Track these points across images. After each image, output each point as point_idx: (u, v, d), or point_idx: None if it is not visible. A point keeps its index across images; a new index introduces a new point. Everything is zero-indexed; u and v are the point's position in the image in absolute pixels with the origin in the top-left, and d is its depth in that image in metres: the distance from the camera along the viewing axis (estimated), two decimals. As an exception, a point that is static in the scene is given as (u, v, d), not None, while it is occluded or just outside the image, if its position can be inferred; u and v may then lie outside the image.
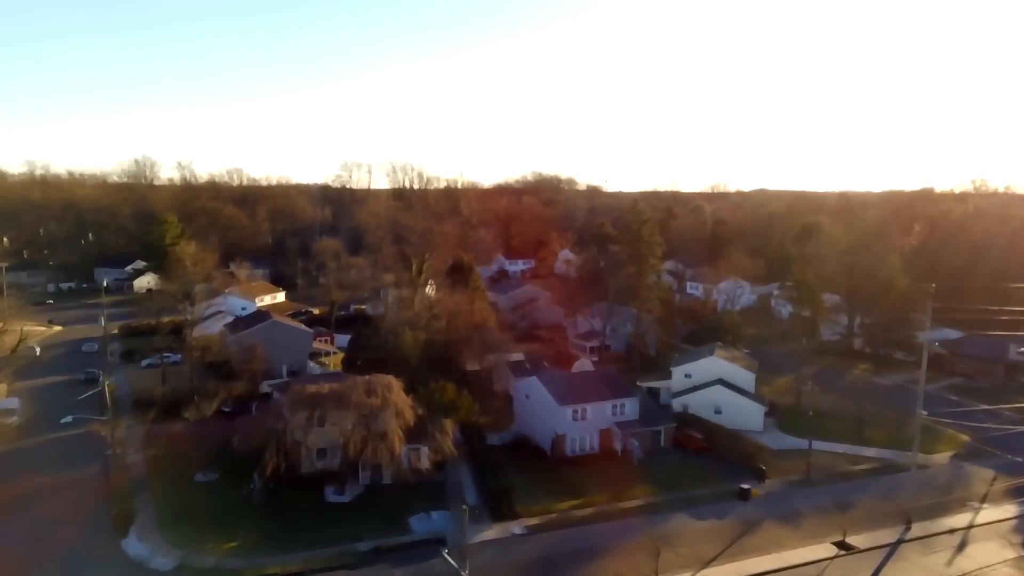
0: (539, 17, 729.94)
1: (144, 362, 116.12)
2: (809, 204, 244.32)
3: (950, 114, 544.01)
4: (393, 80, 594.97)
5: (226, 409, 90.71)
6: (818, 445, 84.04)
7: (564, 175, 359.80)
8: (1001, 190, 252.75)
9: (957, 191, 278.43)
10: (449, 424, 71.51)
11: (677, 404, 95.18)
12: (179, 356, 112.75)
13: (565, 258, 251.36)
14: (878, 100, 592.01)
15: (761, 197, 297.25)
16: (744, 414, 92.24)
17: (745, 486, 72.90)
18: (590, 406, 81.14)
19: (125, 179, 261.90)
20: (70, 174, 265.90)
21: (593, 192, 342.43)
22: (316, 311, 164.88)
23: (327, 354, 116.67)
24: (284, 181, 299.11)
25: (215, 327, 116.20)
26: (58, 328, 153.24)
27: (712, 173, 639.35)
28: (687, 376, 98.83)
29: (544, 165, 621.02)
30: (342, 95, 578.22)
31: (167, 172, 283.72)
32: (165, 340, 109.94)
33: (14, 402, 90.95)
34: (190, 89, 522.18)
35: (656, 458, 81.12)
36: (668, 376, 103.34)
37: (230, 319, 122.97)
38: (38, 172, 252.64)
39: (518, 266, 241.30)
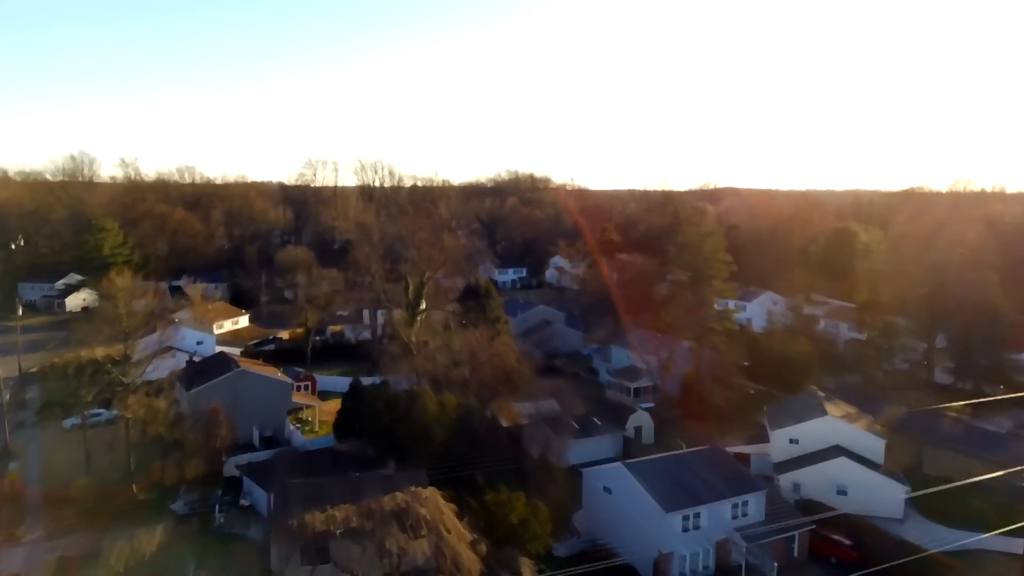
0: (513, 8, 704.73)
1: (67, 422, 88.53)
2: (824, 206, 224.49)
3: (961, 109, 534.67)
4: (359, 74, 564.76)
5: (177, 508, 64.52)
6: (986, 541, 62.28)
7: (539, 174, 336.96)
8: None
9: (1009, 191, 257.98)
10: (527, 567, 46.53)
11: (785, 482, 71.79)
12: (112, 414, 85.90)
13: (558, 265, 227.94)
14: (870, 92, 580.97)
15: (764, 197, 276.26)
16: (877, 496, 68.94)
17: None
18: (705, 509, 57.32)
19: (60, 177, 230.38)
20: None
21: (580, 192, 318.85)
22: (285, 335, 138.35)
23: (309, 407, 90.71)
24: (241, 179, 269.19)
25: (161, 370, 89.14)
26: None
27: (702, 171, 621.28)
28: (793, 442, 75.61)
29: (517, 163, 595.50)
30: (304, 88, 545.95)
31: (108, 170, 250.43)
32: (93, 390, 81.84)
33: None
34: (136, 81, 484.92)
35: (793, 577, 57.75)
36: (760, 438, 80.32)
37: (180, 360, 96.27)
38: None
39: (508, 275, 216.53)
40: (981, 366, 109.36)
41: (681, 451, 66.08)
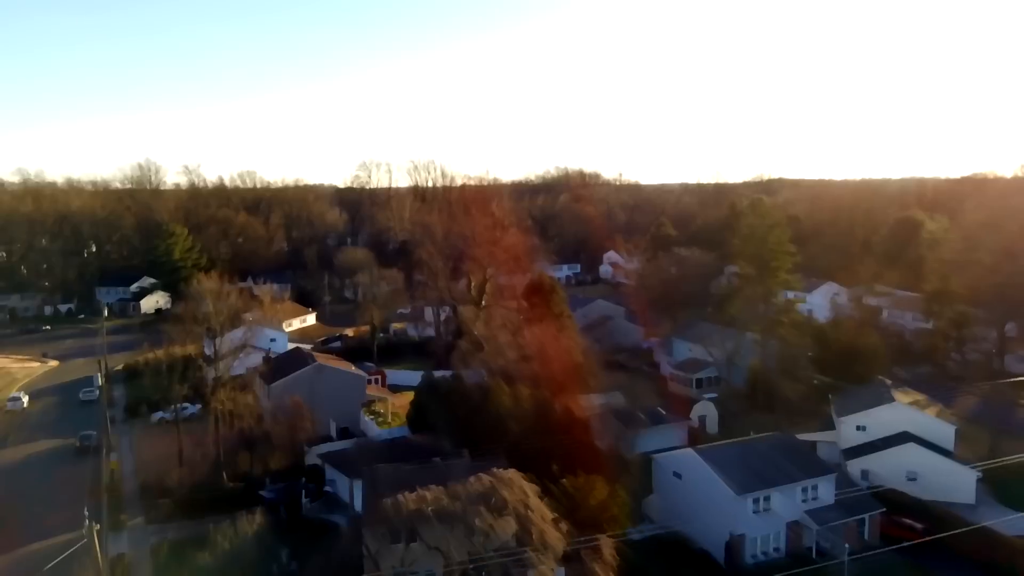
0: (560, 4, 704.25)
1: (155, 416, 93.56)
2: (886, 195, 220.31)
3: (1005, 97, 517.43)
4: (409, 75, 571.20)
5: (265, 494, 68.03)
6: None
7: (589, 170, 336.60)
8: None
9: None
10: (607, 546, 48.36)
11: (853, 468, 72.12)
12: (197, 407, 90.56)
13: (612, 261, 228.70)
14: (932, 78, 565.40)
15: (825, 188, 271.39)
16: (949, 482, 68.92)
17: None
18: (776, 492, 58.31)
19: (128, 186, 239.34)
20: (68, 182, 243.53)
21: (631, 187, 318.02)
22: (351, 333, 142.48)
23: (381, 399, 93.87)
24: (298, 183, 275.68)
25: (241, 367, 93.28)
26: (53, 363, 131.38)
27: (754, 163, 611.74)
28: (860, 429, 75.77)
29: (567, 160, 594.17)
30: (357, 91, 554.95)
31: (173, 177, 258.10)
32: (180, 388, 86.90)
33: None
34: (195, 89, 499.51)
35: (866, 562, 58.14)
36: (827, 425, 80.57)
37: (258, 355, 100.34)
38: (31, 181, 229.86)
39: (563, 272, 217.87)
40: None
41: (749, 437, 66.87)
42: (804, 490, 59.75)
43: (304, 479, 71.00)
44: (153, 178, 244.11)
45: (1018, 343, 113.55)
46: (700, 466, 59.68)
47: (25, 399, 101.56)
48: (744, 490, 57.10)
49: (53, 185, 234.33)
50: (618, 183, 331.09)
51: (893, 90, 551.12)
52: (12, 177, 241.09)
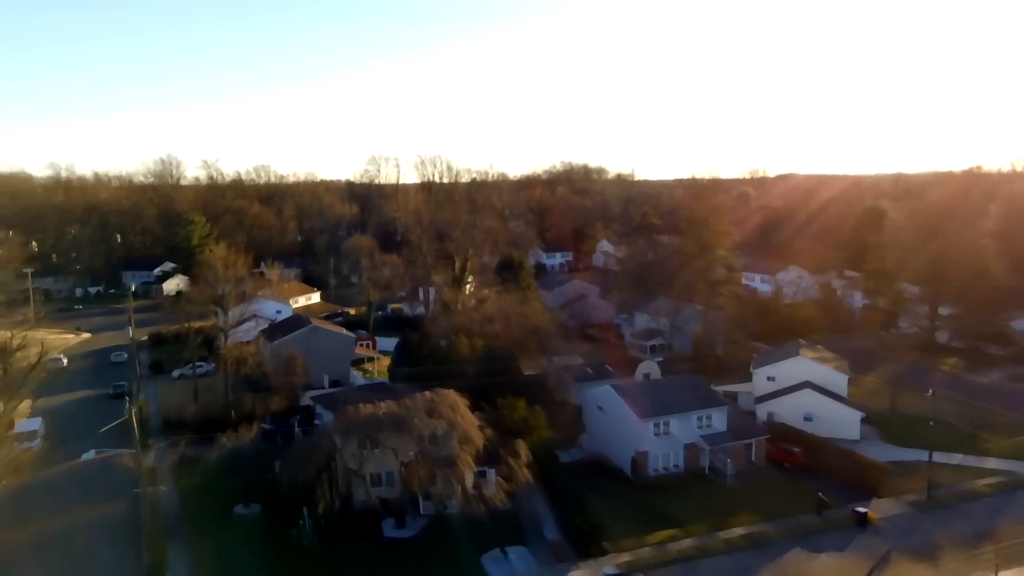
0: (565, 3, 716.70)
1: (175, 373, 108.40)
2: (863, 188, 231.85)
3: (999, 90, 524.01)
4: (419, 71, 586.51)
5: (265, 426, 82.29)
6: (927, 456, 74.25)
7: (593, 164, 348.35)
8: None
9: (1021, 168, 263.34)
10: (522, 447, 62.22)
11: (761, 411, 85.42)
12: (211, 367, 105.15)
13: (604, 250, 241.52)
14: (925, 77, 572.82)
15: (809, 182, 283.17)
16: (839, 422, 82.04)
17: (861, 509, 63.19)
18: (674, 419, 71.65)
19: (150, 179, 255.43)
20: (95, 175, 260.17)
21: (628, 181, 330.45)
22: (352, 311, 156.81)
23: (370, 360, 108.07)
24: (311, 177, 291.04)
25: (249, 334, 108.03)
26: (86, 335, 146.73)
27: (751, 158, 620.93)
28: (770, 379, 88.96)
29: (573, 155, 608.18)
30: (368, 88, 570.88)
31: (192, 171, 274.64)
32: (196, 350, 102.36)
33: (36, 423, 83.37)
34: (214, 86, 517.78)
35: (750, 477, 71.52)
36: (746, 379, 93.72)
37: (264, 324, 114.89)
38: (62, 174, 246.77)
39: (556, 259, 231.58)
40: (976, 327, 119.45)
41: (661, 378, 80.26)
42: (700, 419, 72.99)
43: (298, 416, 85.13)
44: (174, 172, 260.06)
45: (948, 319, 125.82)
46: (614, 398, 73.23)
47: (64, 360, 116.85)
48: (646, 416, 70.53)
49: (82, 178, 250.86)
50: (619, 177, 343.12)
51: (880, 87, 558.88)
52: (45, 171, 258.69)
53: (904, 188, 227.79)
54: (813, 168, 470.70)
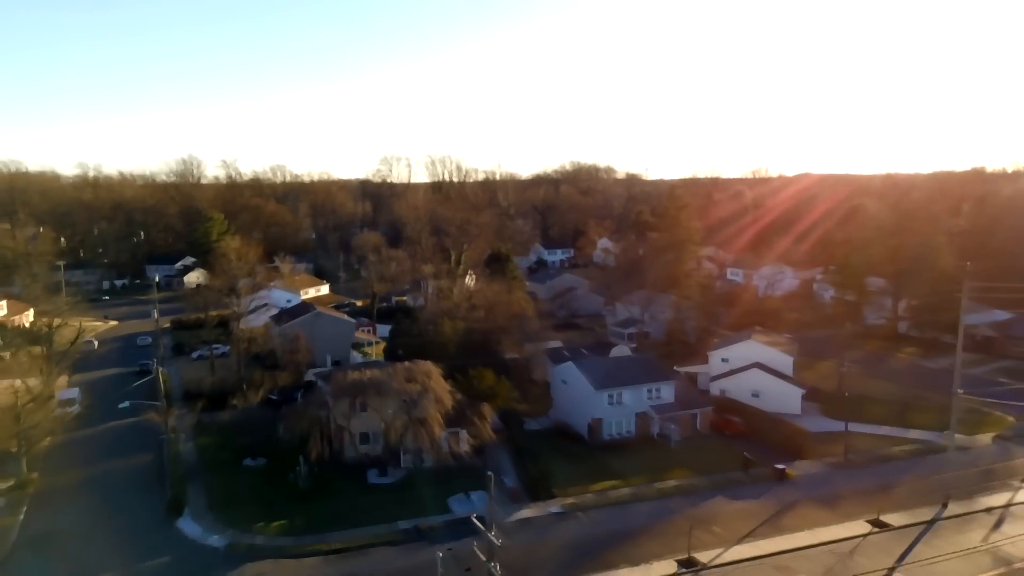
0: (567, 6, 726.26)
1: (194, 354, 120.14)
2: (854, 187, 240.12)
3: (999, 92, 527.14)
4: (432, 71, 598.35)
5: (273, 397, 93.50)
6: (859, 428, 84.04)
7: (602, 164, 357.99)
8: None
9: (1010, 170, 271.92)
10: (487, 409, 73.01)
11: (715, 388, 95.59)
12: (227, 348, 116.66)
13: (604, 247, 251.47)
14: (923, 79, 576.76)
15: (805, 181, 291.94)
16: (783, 397, 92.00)
17: (780, 466, 73.18)
18: (626, 390, 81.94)
19: (172, 178, 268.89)
20: (121, 175, 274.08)
21: (631, 180, 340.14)
22: (359, 303, 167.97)
23: (369, 344, 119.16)
24: (325, 177, 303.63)
25: (261, 319, 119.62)
26: (113, 323, 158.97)
27: (754, 158, 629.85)
28: (724, 360, 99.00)
29: (582, 155, 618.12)
30: (382, 89, 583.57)
31: (212, 171, 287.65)
32: (213, 333, 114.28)
33: (74, 392, 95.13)
34: (233, 87, 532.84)
35: (694, 442, 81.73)
36: (706, 361, 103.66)
37: (275, 312, 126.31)
38: (90, 174, 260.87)
39: (557, 255, 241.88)
40: (933, 319, 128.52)
41: (620, 356, 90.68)
42: (650, 390, 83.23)
43: (302, 390, 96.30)
44: (195, 171, 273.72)
45: (908, 311, 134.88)
46: (575, 372, 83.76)
47: (95, 343, 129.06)
48: (601, 387, 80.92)
49: (109, 177, 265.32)
50: (628, 176, 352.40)
51: (880, 87, 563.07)
52: (74, 170, 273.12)
53: (893, 187, 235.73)
54: (821, 169, 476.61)
